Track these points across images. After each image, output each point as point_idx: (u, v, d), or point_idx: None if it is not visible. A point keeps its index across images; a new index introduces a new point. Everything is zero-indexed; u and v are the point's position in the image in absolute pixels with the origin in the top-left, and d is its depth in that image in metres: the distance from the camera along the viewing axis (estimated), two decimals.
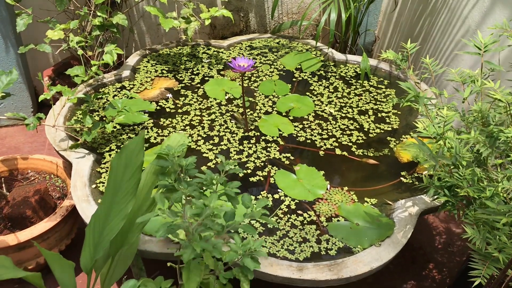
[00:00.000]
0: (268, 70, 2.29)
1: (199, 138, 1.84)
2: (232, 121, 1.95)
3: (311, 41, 2.54)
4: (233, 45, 2.50)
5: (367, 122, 1.95)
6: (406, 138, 1.87)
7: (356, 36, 2.68)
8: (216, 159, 1.73)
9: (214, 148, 1.79)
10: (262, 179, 1.67)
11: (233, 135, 1.87)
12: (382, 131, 1.91)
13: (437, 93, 1.44)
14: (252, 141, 1.84)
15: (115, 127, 1.86)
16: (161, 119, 1.93)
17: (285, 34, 2.67)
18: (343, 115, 1.99)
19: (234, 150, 1.79)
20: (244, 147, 1.81)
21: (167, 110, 1.99)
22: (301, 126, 1.93)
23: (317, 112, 2.01)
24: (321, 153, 1.79)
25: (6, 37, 2.22)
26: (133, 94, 1.93)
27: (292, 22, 2.63)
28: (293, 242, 1.44)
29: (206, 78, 2.21)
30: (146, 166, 1.26)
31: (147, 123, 1.91)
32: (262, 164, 1.73)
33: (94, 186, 1.60)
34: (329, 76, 2.25)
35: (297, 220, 1.51)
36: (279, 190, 1.62)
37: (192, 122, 1.92)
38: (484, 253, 1.12)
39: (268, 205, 1.56)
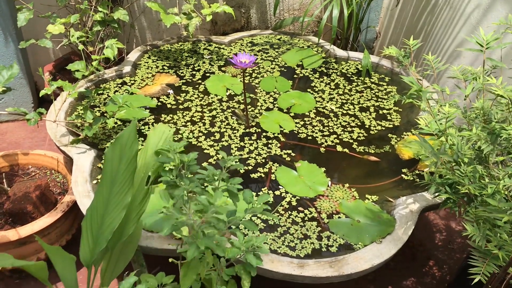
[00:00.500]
0: (269, 66, 2.28)
1: (200, 134, 1.84)
2: (233, 117, 1.94)
3: (313, 37, 2.53)
4: (234, 41, 2.49)
5: (368, 119, 1.95)
6: (407, 135, 1.87)
7: (358, 32, 2.67)
8: (217, 155, 1.73)
9: (215, 144, 1.79)
10: (263, 175, 1.67)
11: (234, 132, 1.86)
12: (383, 128, 1.91)
13: (439, 90, 1.44)
14: (253, 138, 1.84)
15: (116, 122, 1.86)
16: (162, 115, 1.93)
17: (287, 30, 2.66)
18: (344, 112, 1.99)
19: (235, 147, 1.79)
20: (245, 143, 1.81)
21: (168, 106, 1.99)
22: (302, 122, 1.93)
23: (318, 108, 2.01)
24: (322, 150, 1.79)
25: (6, 32, 2.21)
26: (134, 90, 1.93)
27: (294, 18, 2.62)
28: (294, 239, 1.44)
29: (207, 74, 2.20)
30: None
31: (148, 119, 1.90)
32: (263, 160, 1.73)
33: (95, 181, 1.60)
34: (330, 73, 2.25)
35: (298, 217, 1.51)
36: (280, 186, 1.62)
37: (193, 118, 1.92)
38: (484, 251, 1.12)
39: (269, 202, 1.56)
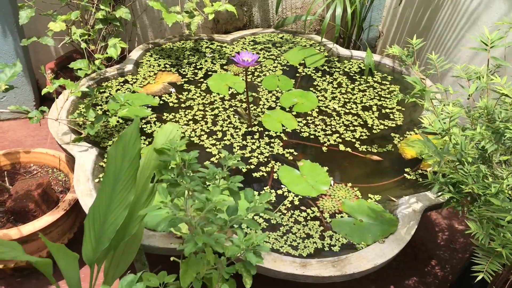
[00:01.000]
0: (271, 65, 2.28)
1: (202, 133, 1.84)
2: (235, 116, 1.94)
3: (315, 36, 2.52)
4: (236, 39, 2.49)
5: (371, 118, 1.94)
6: (410, 134, 1.86)
7: (360, 31, 2.67)
8: (219, 154, 1.73)
9: (217, 143, 1.79)
10: (265, 174, 1.66)
11: (236, 130, 1.86)
12: (386, 127, 1.90)
13: (442, 89, 1.43)
14: (255, 136, 1.83)
15: (118, 121, 1.86)
16: (164, 114, 1.93)
17: (289, 29, 2.66)
18: (347, 111, 1.98)
19: (237, 145, 1.78)
20: (248, 142, 1.80)
21: (170, 104, 1.98)
22: (304, 121, 1.92)
23: (320, 107, 2.00)
24: (325, 149, 1.79)
25: (8, 30, 2.21)
26: (136, 88, 1.92)
27: (296, 17, 2.61)
28: (297, 238, 1.43)
29: (210, 73, 2.20)
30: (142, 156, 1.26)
31: (150, 118, 1.90)
32: (266, 159, 1.73)
33: (97, 180, 1.59)
34: (333, 72, 2.24)
35: (301, 216, 1.51)
36: (282, 185, 1.62)
37: (195, 117, 1.92)
38: (487, 249, 1.11)
39: (272, 201, 1.56)
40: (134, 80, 2.12)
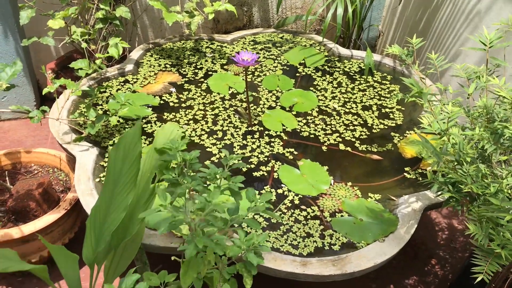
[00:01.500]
0: (271, 65, 2.28)
1: (203, 132, 1.84)
2: (235, 115, 1.94)
3: (315, 36, 2.53)
4: (236, 39, 2.49)
5: (371, 117, 1.95)
6: (410, 133, 1.87)
7: (360, 31, 2.67)
8: (220, 153, 1.73)
9: (218, 142, 1.79)
10: (265, 174, 1.67)
11: (237, 130, 1.86)
12: (386, 127, 1.90)
13: (442, 88, 1.43)
14: (255, 136, 1.84)
15: (118, 120, 1.86)
16: (165, 113, 1.93)
17: (289, 29, 2.66)
18: (347, 110, 1.99)
19: (237, 145, 1.79)
20: (248, 141, 1.81)
21: (171, 104, 1.99)
22: (304, 121, 1.93)
23: (320, 107, 2.01)
24: (325, 148, 1.79)
25: (9, 30, 2.22)
26: (137, 88, 1.93)
27: (296, 16, 2.62)
28: (297, 237, 1.44)
29: (210, 73, 2.20)
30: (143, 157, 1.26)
31: (151, 117, 1.90)
32: (266, 159, 1.73)
33: (98, 179, 1.60)
34: (333, 71, 2.24)
35: (301, 215, 1.51)
36: (282, 185, 1.62)
37: (195, 117, 1.92)
38: (486, 249, 1.11)
39: (272, 200, 1.56)
40: (135, 80, 2.12)
